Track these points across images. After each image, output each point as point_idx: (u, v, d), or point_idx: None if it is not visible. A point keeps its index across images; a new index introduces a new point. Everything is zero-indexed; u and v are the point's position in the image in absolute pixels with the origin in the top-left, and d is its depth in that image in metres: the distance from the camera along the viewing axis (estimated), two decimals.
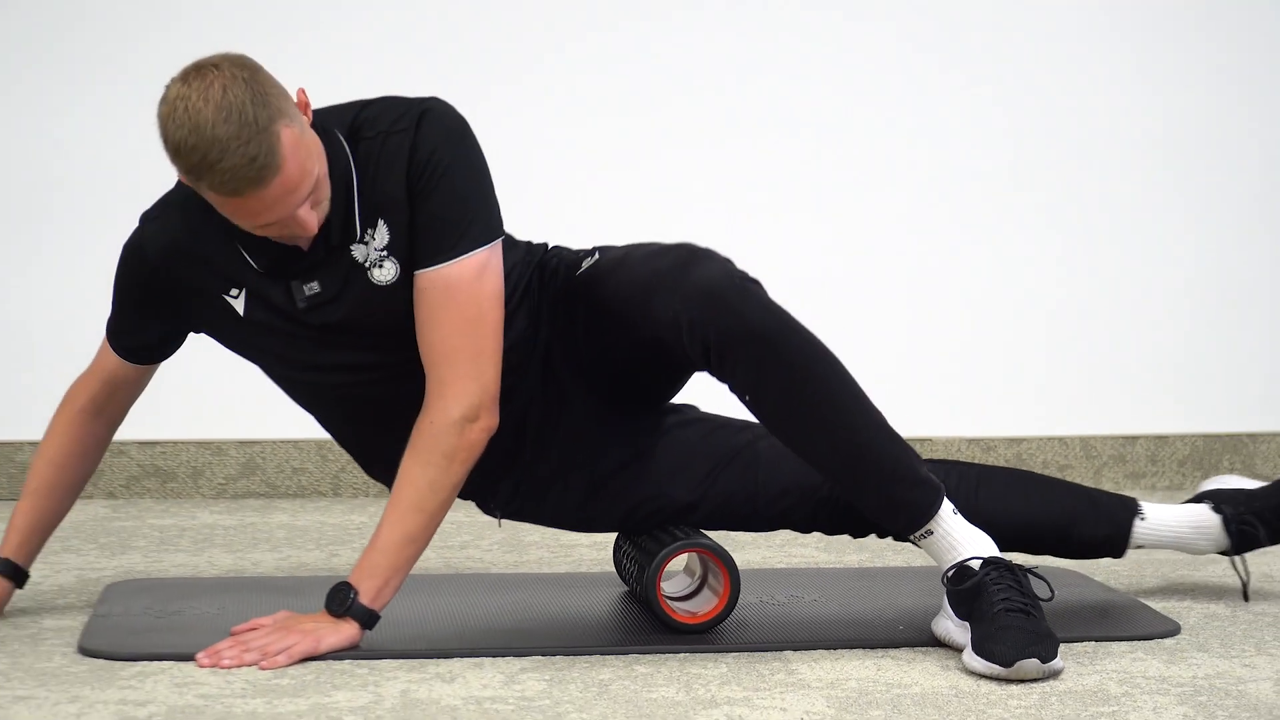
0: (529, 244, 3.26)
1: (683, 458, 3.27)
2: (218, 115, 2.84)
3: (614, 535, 3.47)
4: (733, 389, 3.08)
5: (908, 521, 3.10)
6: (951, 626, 3.08)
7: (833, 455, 3.09)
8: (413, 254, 3.05)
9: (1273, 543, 3.43)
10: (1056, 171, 4.87)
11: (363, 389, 3.16)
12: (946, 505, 3.10)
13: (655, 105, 4.82)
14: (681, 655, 3.08)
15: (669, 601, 3.22)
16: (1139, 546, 3.41)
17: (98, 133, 4.67)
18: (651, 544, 3.24)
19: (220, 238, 3.08)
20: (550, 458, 3.24)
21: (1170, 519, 3.42)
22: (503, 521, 3.30)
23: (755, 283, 3.06)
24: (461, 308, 3.04)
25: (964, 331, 4.85)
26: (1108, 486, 4.83)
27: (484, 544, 4.04)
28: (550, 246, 3.29)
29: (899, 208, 4.85)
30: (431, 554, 3.91)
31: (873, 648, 3.12)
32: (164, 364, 3.45)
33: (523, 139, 4.72)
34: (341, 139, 3.05)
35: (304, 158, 2.91)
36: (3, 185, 4.68)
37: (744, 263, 4.51)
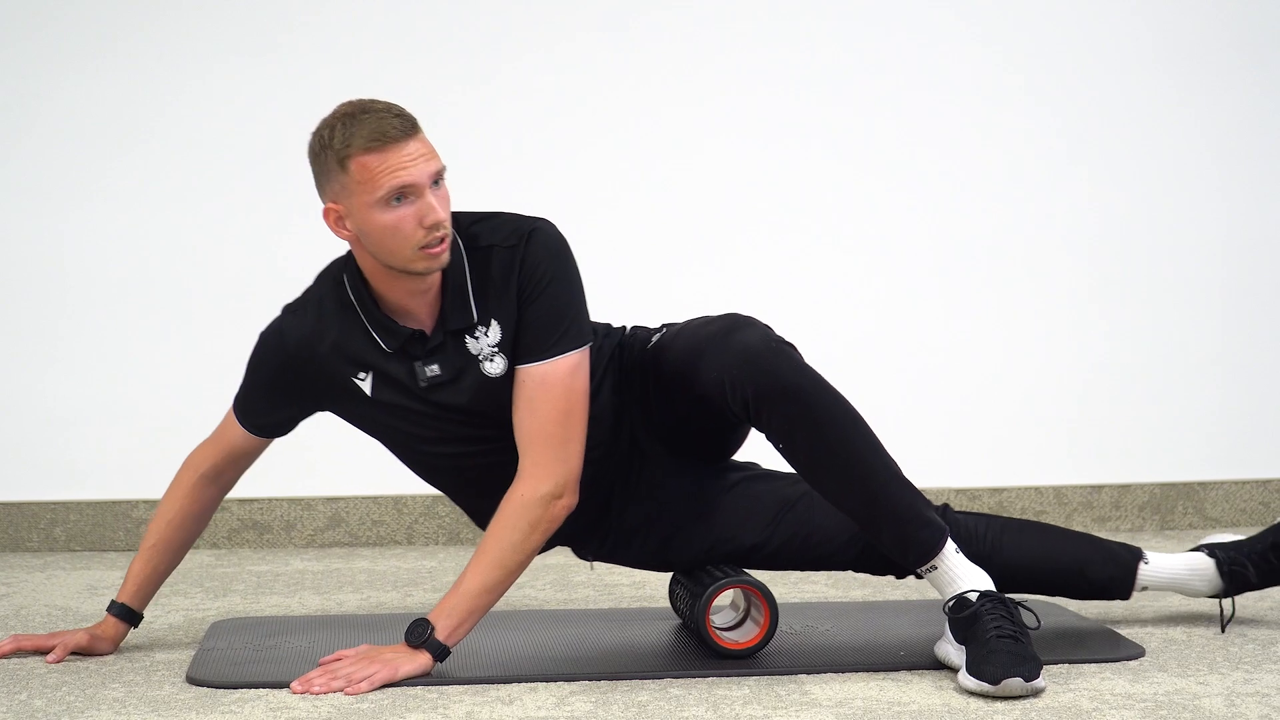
0: (609, 325, 3.29)
1: (750, 507, 3.28)
2: (370, 99, 3.03)
3: (651, 576, 3.46)
4: (769, 438, 3.11)
5: (916, 557, 3.10)
6: (950, 650, 3.07)
7: (853, 497, 3.10)
8: (516, 350, 3.09)
9: (1263, 584, 3.41)
10: (1033, 243, 4.85)
11: (471, 460, 3.19)
12: (950, 545, 3.10)
13: (669, 140, 4.82)
14: (710, 679, 3.07)
15: (717, 631, 3.21)
16: (1144, 588, 3.39)
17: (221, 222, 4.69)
18: (698, 585, 3.24)
19: (352, 324, 3.12)
20: (633, 511, 3.26)
21: (1171, 563, 3.40)
22: (594, 565, 3.33)
23: (791, 346, 3.10)
24: (555, 400, 3.08)
25: (952, 394, 4.83)
26: (1077, 529, 4.81)
27: (538, 585, 4.02)
28: (629, 328, 3.32)
29: (887, 276, 4.83)
30: None
31: (876, 671, 3.11)
32: None
33: (547, 160, 4.76)
34: (458, 238, 3.08)
35: (434, 148, 3.02)
36: (123, 269, 4.69)
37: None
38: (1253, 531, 4.65)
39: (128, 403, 4.67)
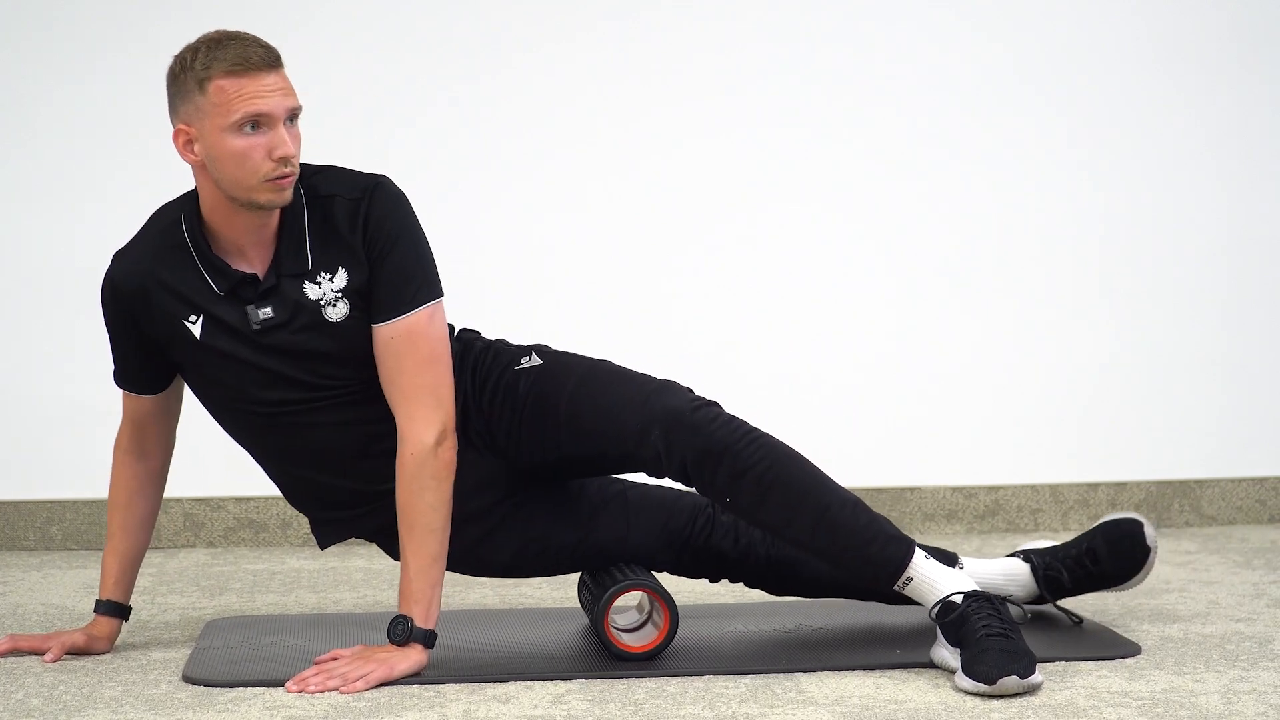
0: None
1: (566, 503, 3.27)
2: (237, 30, 3.04)
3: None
4: (712, 498, 3.12)
5: (888, 575, 3.10)
6: (945, 653, 3.06)
7: (811, 536, 3.10)
8: (369, 305, 3.10)
9: (1077, 590, 3.41)
10: (1029, 244, 4.84)
11: (300, 417, 3.15)
12: (919, 554, 3.10)
13: (642, 132, 4.82)
14: (706, 678, 3.06)
15: (616, 632, 3.20)
16: None
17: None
18: (604, 582, 3.23)
19: (184, 264, 3.11)
20: (454, 509, 3.18)
21: (986, 569, 3.41)
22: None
23: (714, 404, 3.12)
24: (420, 350, 3.09)
25: (948, 391, 4.83)
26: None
27: (534, 583, 4.02)
28: (458, 330, 3.31)
29: (884, 277, 4.83)
30: (489, 592, 3.90)
31: (872, 669, 3.11)
32: None
33: (517, 153, 4.74)
34: (299, 185, 3.10)
35: (293, 87, 3.03)
36: (94, 279, 4.68)
37: (726, 316, 4.48)
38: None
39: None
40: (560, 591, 3.93)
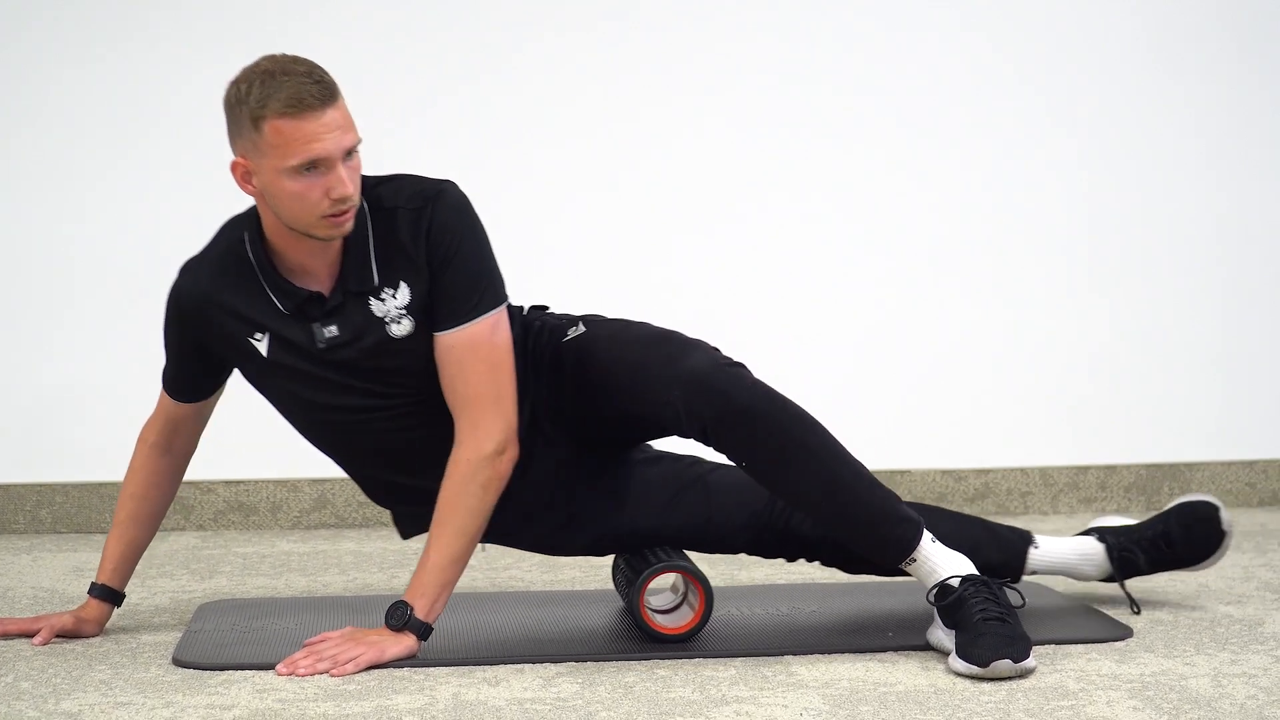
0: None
1: (646, 490, 3.27)
2: (293, 58, 2.96)
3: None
4: (731, 459, 3.10)
5: (895, 554, 3.10)
6: (941, 635, 3.07)
7: (824, 506, 3.10)
8: (432, 316, 3.07)
9: (1152, 571, 3.42)
10: (1021, 229, 4.84)
11: (370, 424, 3.15)
12: (926, 535, 3.10)
13: (647, 124, 4.81)
14: (696, 660, 3.06)
15: (651, 614, 3.20)
16: (1033, 572, 3.39)
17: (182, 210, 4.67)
18: (639, 564, 3.23)
19: (249, 283, 3.09)
20: (531, 492, 3.22)
21: (1060, 549, 3.41)
22: (486, 546, 3.30)
23: (740, 365, 3.09)
24: (483, 359, 3.06)
25: (938, 374, 4.83)
26: (1064, 510, 4.81)
27: (524, 566, 4.02)
28: (528, 308, 3.30)
29: (878, 263, 4.82)
30: (479, 576, 3.90)
31: (862, 652, 3.11)
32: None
33: (521, 152, 4.75)
34: (362, 200, 3.06)
35: (351, 118, 2.98)
36: (117, 255, 4.67)
37: (719, 302, 4.48)
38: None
39: (115, 385, 4.65)
40: (550, 575, 3.93)
